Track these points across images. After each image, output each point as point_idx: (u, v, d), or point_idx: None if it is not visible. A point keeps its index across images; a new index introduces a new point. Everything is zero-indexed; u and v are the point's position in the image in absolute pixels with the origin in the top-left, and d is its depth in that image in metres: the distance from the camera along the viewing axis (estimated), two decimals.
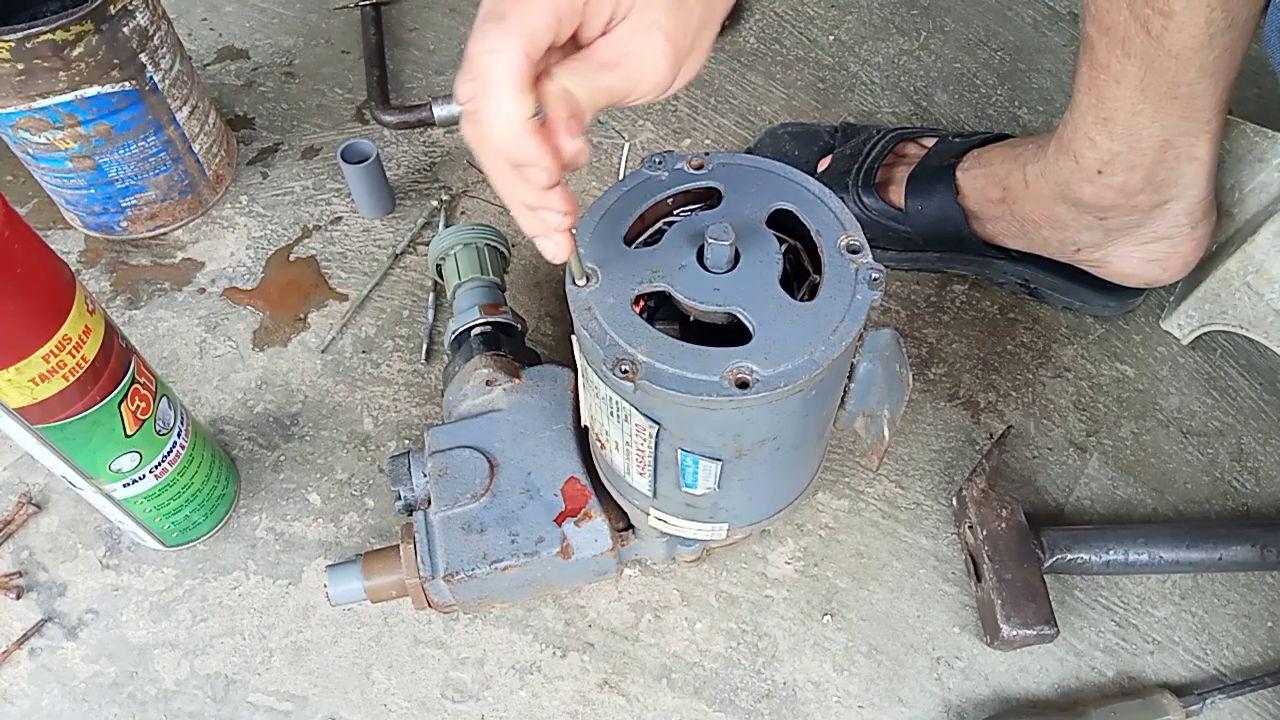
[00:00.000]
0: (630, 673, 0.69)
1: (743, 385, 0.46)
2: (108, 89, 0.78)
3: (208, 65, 1.05)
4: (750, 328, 0.48)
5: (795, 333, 0.48)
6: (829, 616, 0.71)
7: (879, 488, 0.77)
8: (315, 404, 0.81)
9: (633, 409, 0.50)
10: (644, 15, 0.43)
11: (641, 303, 0.50)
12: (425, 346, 0.84)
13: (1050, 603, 0.66)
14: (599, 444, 0.59)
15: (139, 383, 0.61)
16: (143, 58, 0.79)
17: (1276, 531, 0.71)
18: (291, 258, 0.90)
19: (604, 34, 0.43)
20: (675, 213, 0.55)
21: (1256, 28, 0.60)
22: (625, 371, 0.47)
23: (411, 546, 0.63)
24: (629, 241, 0.53)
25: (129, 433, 0.61)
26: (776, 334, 0.48)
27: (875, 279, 0.50)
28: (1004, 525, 0.69)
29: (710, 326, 0.51)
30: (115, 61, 0.77)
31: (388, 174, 0.91)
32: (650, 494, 0.57)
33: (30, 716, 0.68)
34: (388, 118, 0.99)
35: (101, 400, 0.58)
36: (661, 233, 0.54)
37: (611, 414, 0.52)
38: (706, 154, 0.55)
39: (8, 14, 0.76)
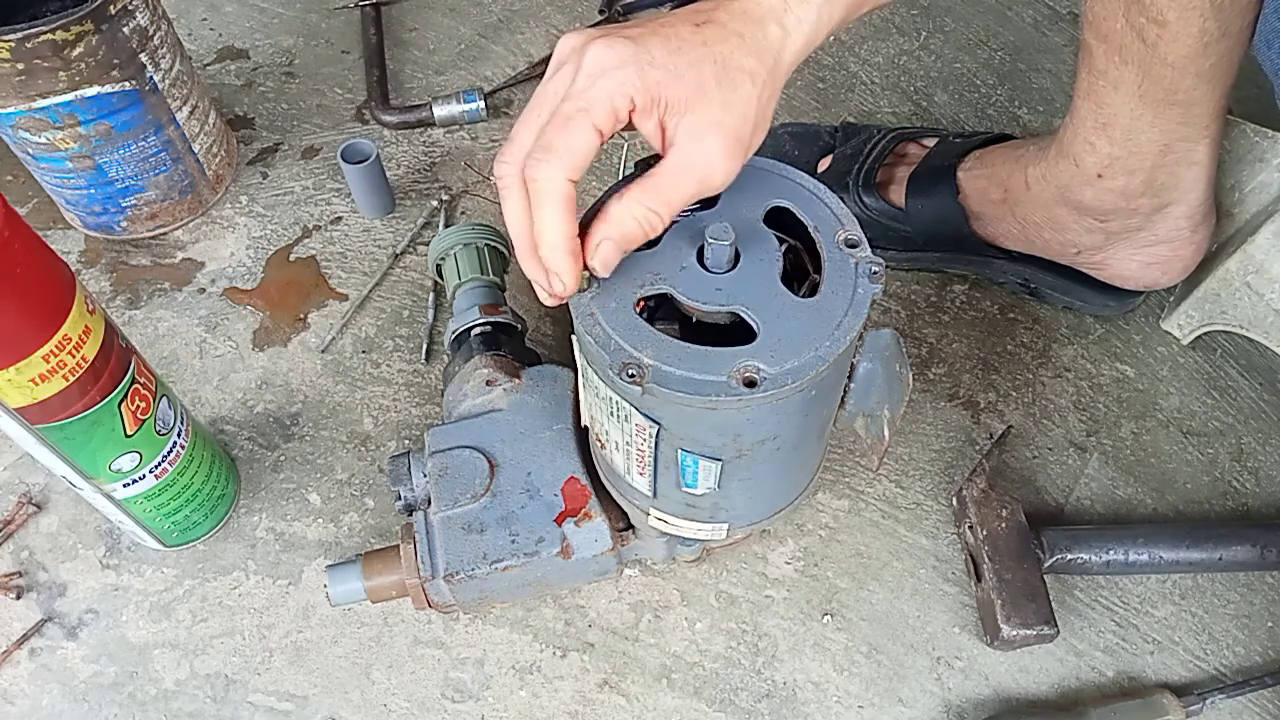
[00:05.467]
0: (630, 673, 0.69)
1: (750, 384, 0.46)
2: (108, 89, 0.78)
3: (208, 65, 1.05)
4: (755, 326, 0.48)
5: (799, 329, 0.48)
6: (829, 616, 0.71)
7: (879, 488, 0.77)
8: (315, 404, 0.81)
9: (633, 409, 0.50)
10: (702, 115, 0.45)
11: (641, 304, 0.50)
12: (425, 346, 0.84)
13: (1050, 603, 0.66)
14: (599, 444, 0.59)
15: (139, 383, 0.61)
16: (143, 58, 0.79)
17: (1276, 531, 0.71)
18: (291, 258, 0.90)
19: (663, 134, 0.46)
20: None
21: (1251, 35, 0.61)
22: (632, 376, 0.47)
23: (411, 546, 0.63)
24: None
25: (129, 433, 0.61)
26: (781, 331, 0.48)
27: (875, 273, 0.50)
28: (1004, 525, 0.69)
29: (709, 326, 0.51)
30: (115, 61, 0.77)
31: (388, 174, 0.91)
32: (650, 494, 0.57)
33: (30, 716, 0.68)
34: (388, 118, 0.99)
35: (101, 400, 0.58)
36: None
37: (611, 414, 0.52)
38: None
39: (8, 14, 0.76)
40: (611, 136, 0.47)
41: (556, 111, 0.45)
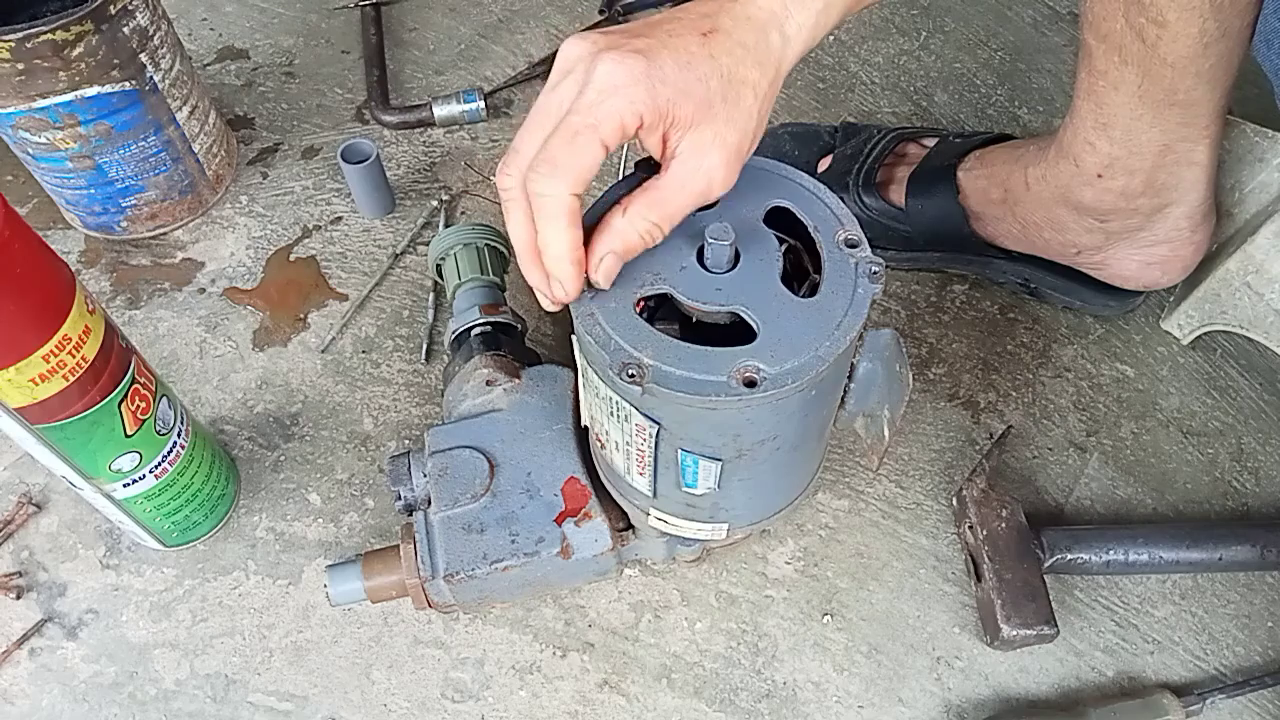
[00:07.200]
0: (630, 673, 0.69)
1: (750, 384, 0.46)
2: (108, 89, 0.78)
3: (208, 65, 1.05)
4: (755, 326, 0.48)
5: (799, 329, 0.48)
6: (829, 616, 0.71)
7: (879, 488, 0.77)
8: (315, 404, 0.81)
9: (633, 409, 0.50)
10: (706, 130, 0.46)
11: (641, 304, 0.50)
12: (425, 346, 0.84)
13: (1050, 603, 0.66)
14: (599, 444, 0.59)
15: (139, 383, 0.61)
16: (143, 58, 0.79)
17: (1276, 531, 0.71)
18: (291, 258, 0.90)
19: (665, 146, 0.46)
20: None
21: (1251, 35, 0.61)
22: (632, 376, 0.47)
23: (411, 546, 0.63)
24: None
25: (129, 433, 0.61)
26: (781, 331, 0.48)
27: (875, 273, 0.50)
28: (1004, 525, 0.69)
29: (709, 326, 0.51)
30: (115, 61, 0.77)
31: (388, 174, 0.91)
32: (650, 494, 0.57)
33: (30, 716, 0.68)
34: (388, 118, 0.99)
35: (101, 400, 0.58)
36: None
37: (611, 414, 0.52)
38: None
39: (8, 14, 0.76)
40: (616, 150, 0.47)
41: (563, 124, 0.45)
